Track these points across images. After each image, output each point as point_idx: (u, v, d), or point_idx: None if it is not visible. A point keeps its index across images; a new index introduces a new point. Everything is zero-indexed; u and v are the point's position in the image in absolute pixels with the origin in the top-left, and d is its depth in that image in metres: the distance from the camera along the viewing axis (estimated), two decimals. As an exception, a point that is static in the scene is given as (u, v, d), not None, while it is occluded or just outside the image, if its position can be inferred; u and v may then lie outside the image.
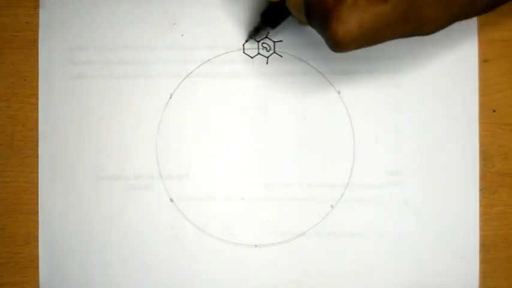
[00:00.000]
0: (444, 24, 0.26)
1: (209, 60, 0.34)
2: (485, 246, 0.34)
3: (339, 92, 0.34)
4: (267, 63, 0.34)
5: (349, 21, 0.25)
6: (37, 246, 0.34)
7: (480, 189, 0.34)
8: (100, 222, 0.34)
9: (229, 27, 0.34)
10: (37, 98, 0.34)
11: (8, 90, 0.34)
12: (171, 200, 0.34)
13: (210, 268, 0.34)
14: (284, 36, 0.34)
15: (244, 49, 0.34)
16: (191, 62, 0.34)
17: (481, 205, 0.34)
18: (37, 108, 0.34)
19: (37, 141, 0.34)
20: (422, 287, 0.34)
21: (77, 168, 0.34)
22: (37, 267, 0.34)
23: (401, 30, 0.26)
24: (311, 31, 0.33)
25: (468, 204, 0.34)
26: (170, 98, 0.34)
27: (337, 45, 0.26)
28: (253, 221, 0.34)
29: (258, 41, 0.34)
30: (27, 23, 0.34)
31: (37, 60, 0.34)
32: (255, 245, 0.34)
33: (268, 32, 0.34)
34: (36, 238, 0.34)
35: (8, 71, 0.34)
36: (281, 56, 0.34)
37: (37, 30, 0.34)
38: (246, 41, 0.34)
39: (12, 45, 0.34)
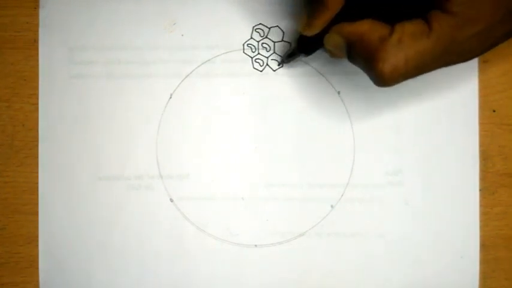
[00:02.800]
0: (481, 52, 0.27)
1: (209, 60, 0.34)
2: (485, 247, 0.34)
3: (339, 92, 0.34)
4: (267, 63, 0.34)
5: (396, 59, 0.25)
6: (37, 246, 0.34)
7: (480, 189, 0.34)
8: (100, 222, 0.34)
9: (229, 27, 0.34)
10: (37, 98, 0.34)
11: (8, 90, 0.34)
12: (171, 200, 0.34)
13: (210, 268, 0.34)
14: (284, 37, 0.34)
15: (244, 49, 0.34)
16: (191, 62, 0.34)
17: (481, 205, 0.34)
18: (37, 108, 0.34)
19: (37, 141, 0.34)
20: (422, 287, 0.34)
21: (77, 168, 0.34)
22: (37, 267, 0.34)
23: (443, 62, 0.27)
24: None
25: (468, 204, 0.34)
26: (170, 98, 0.34)
27: (384, 82, 0.26)
28: (253, 221, 0.34)
29: (287, 62, 0.34)
30: (27, 23, 0.34)
31: (37, 60, 0.34)
32: (255, 245, 0.34)
33: (300, 58, 0.33)
34: (36, 238, 0.34)
35: (8, 71, 0.34)
36: (281, 56, 0.34)
37: (37, 30, 0.34)
38: (279, 65, 0.34)
39: (12, 45, 0.34)
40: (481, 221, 0.34)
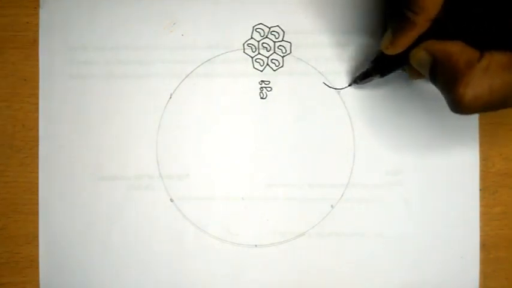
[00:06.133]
0: None
1: (209, 60, 0.34)
2: (485, 246, 0.34)
3: (339, 92, 0.34)
4: (267, 63, 0.34)
5: (480, 87, 0.24)
6: (37, 246, 0.34)
7: (480, 189, 0.34)
8: (100, 222, 0.34)
9: (229, 27, 0.34)
10: (37, 98, 0.34)
11: (8, 90, 0.34)
12: (171, 200, 0.34)
13: (210, 268, 0.34)
14: (284, 37, 0.34)
15: (244, 49, 0.34)
16: (191, 62, 0.34)
17: (481, 205, 0.34)
18: (37, 108, 0.34)
19: (37, 141, 0.34)
20: (422, 287, 0.34)
21: (77, 168, 0.34)
22: (37, 267, 0.34)
23: None
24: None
25: (468, 204, 0.34)
26: (170, 98, 0.34)
27: (462, 107, 0.25)
28: (253, 221, 0.34)
29: (359, 82, 0.33)
30: (27, 23, 0.34)
31: (37, 60, 0.34)
32: (255, 245, 0.34)
33: (373, 79, 0.33)
34: (36, 238, 0.34)
35: (8, 71, 0.34)
36: (281, 56, 0.34)
37: (37, 30, 0.34)
38: (349, 85, 0.34)
39: (13, 45, 0.34)
40: (481, 221, 0.34)
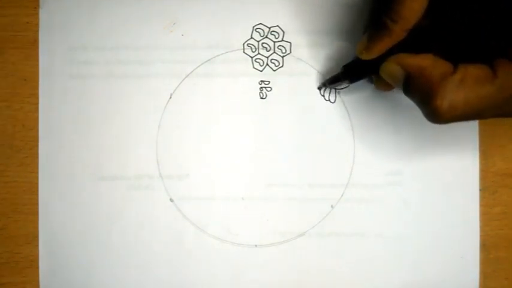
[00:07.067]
0: None
1: (209, 60, 0.34)
2: (485, 246, 0.34)
3: (339, 92, 0.34)
4: (267, 63, 0.34)
5: (455, 99, 0.25)
6: (37, 246, 0.34)
7: (480, 189, 0.34)
8: (100, 222, 0.34)
9: (229, 27, 0.34)
10: (37, 98, 0.34)
11: (8, 90, 0.34)
12: (171, 200, 0.34)
13: (210, 268, 0.34)
14: (284, 37, 0.34)
15: (244, 49, 0.34)
16: (191, 62, 0.34)
17: (481, 205, 0.34)
18: (37, 108, 0.34)
19: (37, 141, 0.34)
20: (422, 287, 0.34)
21: (77, 168, 0.34)
22: (37, 267, 0.34)
23: (502, 111, 0.26)
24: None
25: (468, 204, 0.34)
26: (170, 98, 0.34)
27: (438, 119, 0.26)
28: (253, 221, 0.34)
29: (335, 89, 0.34)
30: (27, 23, 0.34)
31: (37, 60, 0.34)
32: (255, 245, 0.34)
33: (343, 85, 0.33)
34: (36, 238, 0.34)
35: (8, 71, 0.34)
36: (281, 56, 0.34)
37: (37, 30, 0.34)
38: (319, 88, 0.34)
39: (13, 45, 0.34)
40: (481, 221, 0.34)
